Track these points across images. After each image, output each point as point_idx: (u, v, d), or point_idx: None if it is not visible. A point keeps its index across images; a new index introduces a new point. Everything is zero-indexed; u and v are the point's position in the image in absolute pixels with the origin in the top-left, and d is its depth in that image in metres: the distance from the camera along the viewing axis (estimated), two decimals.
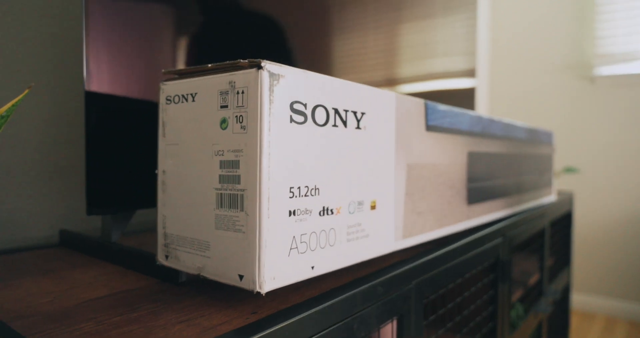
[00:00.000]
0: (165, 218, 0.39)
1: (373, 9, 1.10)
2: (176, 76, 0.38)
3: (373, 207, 0.43)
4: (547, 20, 2.21)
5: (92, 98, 0.47)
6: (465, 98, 1.52)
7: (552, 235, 1.19)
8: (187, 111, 0.37)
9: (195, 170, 0.36)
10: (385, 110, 0.44)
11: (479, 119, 0.67)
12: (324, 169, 0.37)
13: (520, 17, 2.30)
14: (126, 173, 0.50)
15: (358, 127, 0.40)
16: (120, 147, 0.49)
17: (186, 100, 0.37)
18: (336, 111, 0.38)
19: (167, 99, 0.38)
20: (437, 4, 1.35)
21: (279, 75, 0.32)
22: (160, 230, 0.39)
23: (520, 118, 2.31)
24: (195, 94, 0.36)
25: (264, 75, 0.31)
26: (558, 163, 2.16)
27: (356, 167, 0.40)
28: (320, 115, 0.36)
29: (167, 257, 0.39)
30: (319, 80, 0.36)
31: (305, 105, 0.35)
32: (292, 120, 0.33)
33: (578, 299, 2.15)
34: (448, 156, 0.57)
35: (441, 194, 0.56)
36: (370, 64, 1.08)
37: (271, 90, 0.32)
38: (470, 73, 1.56)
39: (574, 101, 2.16)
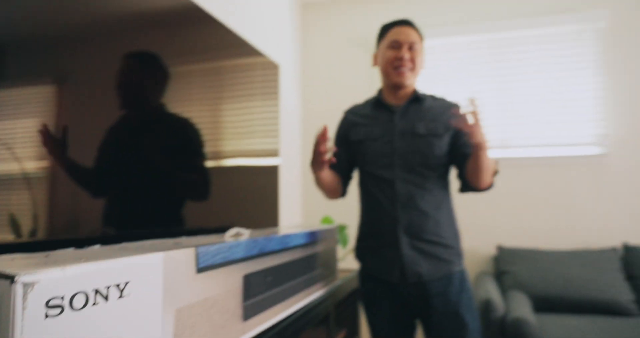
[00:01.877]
0: None
1: (199, 84, 1.20)
2: None
3: None
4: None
5: None
6: (270, 174, 1.71)
7: (341, 312, 1.39)
8: None
9: None
10: (152, 271, 0.53)
11: (255, 242, 0.80)
12: None
13: (328, 102, 2.68)
14: None
15: (121, 296, 0.48)
16: None
17: None
18: (97, 291, 0.45)
19: None
20: (252, 90, 1.53)
21: (33, 283, 0.38)
22: None
23: None
24: None
25: (17, 287, 0.37)
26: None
27: (121, 328, 0.47)
28: (79, 301, 0.43)
29: None
30: (78, 271, 0.43)
31: (62, 297, 0.41)
32: (47, 316, 0.39)
33: None
34: (222, 286, 0.68)
35: (214, 323, 0.65)
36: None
37: (25, 298, 0.37)
38: (275, 153, 1.77)
39: None
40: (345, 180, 1.33)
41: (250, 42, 1.48)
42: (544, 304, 1.96)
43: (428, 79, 2.44)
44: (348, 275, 1.55)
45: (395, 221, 1.16)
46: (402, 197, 1.16)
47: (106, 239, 0.87)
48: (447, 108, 1.22)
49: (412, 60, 1.20)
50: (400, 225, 1.16)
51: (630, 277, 2.00)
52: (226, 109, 1.36)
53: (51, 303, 0.40)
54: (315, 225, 2.74)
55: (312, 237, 1.11)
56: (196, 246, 0.63)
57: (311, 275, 1.08)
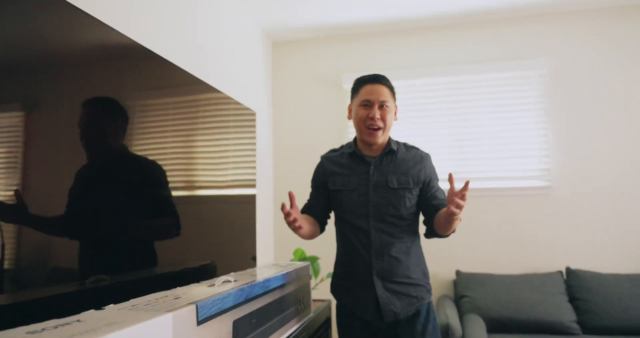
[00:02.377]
0: None
1: (172, 115, 1.29)
2: None
3: None
4: (319, 139, 2.77)
5: None
6: (248, 202, 1.82)
7: None
8: None
9: None
10: (164, 330, 0.64)
11: (242, 290, 0.92)
12: None
13: (298, 136, 2.82)
14: None
15: None
16: None
17: None
18: None
19: None
20: (227, 123, 1.65)
21: None
22: None
23: None
24: None
25: None
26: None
27: None
28: None
29: None
30: None
31: None
32: None
33: None
34: (215, 334, 0.79)
35: None
36: (168, 164, 1.27)
37: None
38: (252, 184, 1.89)
39: None
40: (323, 220, 1.44)
41: (232, 97, 1.61)
42: (497, 325, 2.14)
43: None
44: (320, 306, 1.67)
45: (370, 266, 1.29)
46: (375, 245, 1.29)
47: (99, 290, 0.96)
48: (418, 161, 1.36)
49: (383, 119, 1.31)
50: (374, 270, 1.29)
51: (572, 299, 2.21)
52: (203, 146, 1.47)
53: None
54: (288, 259, 2.83)
55: (289, 277, 1.23)
56: (196, 301, 0.74)
57: (289, 312, 1.20)
